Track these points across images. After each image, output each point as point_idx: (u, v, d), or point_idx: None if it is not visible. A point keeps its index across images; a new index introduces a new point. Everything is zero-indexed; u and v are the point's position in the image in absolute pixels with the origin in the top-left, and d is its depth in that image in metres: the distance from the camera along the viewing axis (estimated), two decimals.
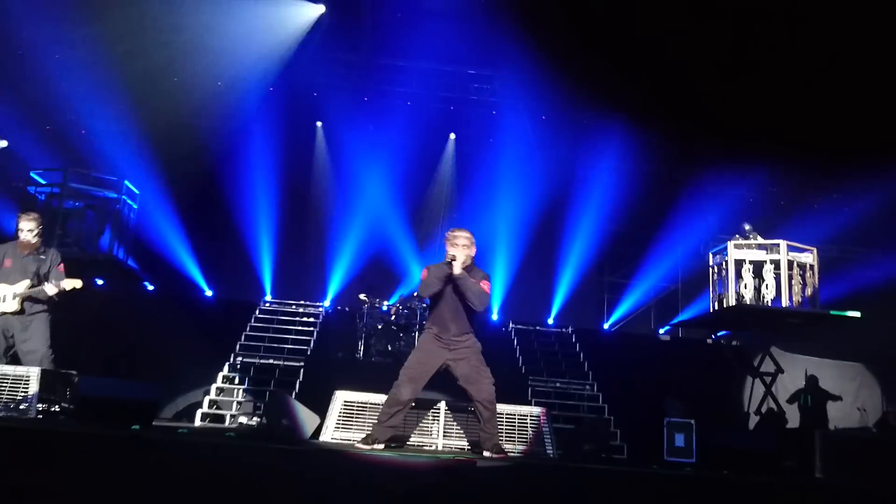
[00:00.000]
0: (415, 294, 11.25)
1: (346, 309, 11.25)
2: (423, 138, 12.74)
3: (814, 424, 9.61)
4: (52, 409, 5.38)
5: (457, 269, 5.00)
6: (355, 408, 5.75)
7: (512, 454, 5.66)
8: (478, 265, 5.32)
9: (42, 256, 6.19)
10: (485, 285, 5.13)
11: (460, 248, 5.07)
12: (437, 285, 5.07)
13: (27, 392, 5.27)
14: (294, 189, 13.09)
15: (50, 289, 5.96)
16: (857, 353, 12.13)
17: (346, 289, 12.78)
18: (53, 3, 10.49)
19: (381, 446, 4.99)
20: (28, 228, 6.10)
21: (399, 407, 5.03)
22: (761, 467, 6.87)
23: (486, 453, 5.01)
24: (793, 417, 10.17)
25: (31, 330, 6.00)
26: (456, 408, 5.82)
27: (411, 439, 5.71)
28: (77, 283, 6.06)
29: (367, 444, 4.96)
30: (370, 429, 5.22)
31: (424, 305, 10.84)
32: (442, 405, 5.82)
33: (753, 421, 9.82)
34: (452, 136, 13.69)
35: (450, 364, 5.09)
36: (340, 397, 5.79)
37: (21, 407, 5.20)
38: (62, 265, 6.27)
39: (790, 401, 10.49)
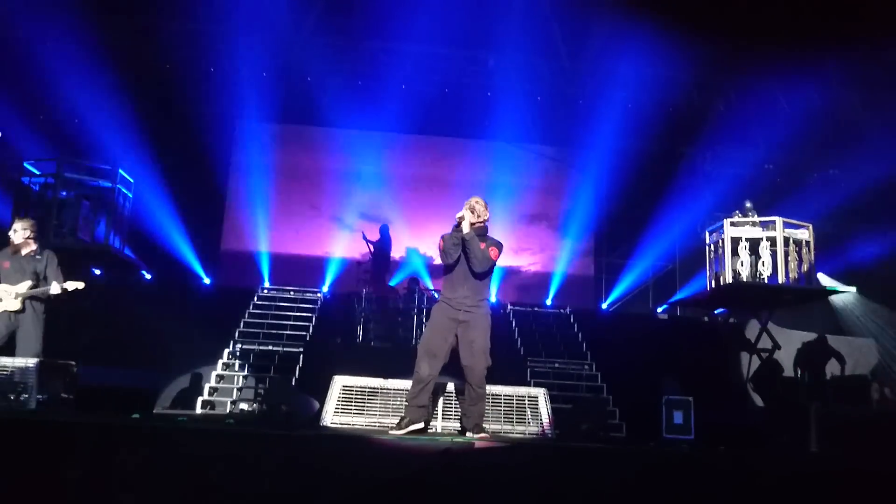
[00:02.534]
0: (412, 278, 11.30)
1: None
2: (417, 121, 12.69)
3: (810, 397, 9.68)
4: (52, 400, 5.40)
5: (465, 227, 5.05)
6: (354, 392, 5.78)
7: (510, 435, 5.71)
8: None
9: (38, 257, 6.34)
10: (492, 252, 5.16)
11: (468, 210, 5.11)
12: (456, 251, 5.11)
13: (26, 383, 5.30)
14: (290, 174, 13.06)
15: (55, 288, 6.10)
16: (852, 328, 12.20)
17: (344, 274, 12.79)
18: None
19: (418, 426, 5.03)
20: (21, 227, 6.30)
21: (421, 384, 5.06)
22: (758, 442, 6.94)
23: (467, 433, 5.07)
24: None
25: (29, 328, 6.12)
26: (456, 390, 5.85)
27: None
28: (80, 285, 6.20)
29: (401, 427, 4.99)
30: (367, 413, 5.26)
31: (422, 288, 10.88)
32: (449, 387, 5.85)
33: (751, 398, 9.89)
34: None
35: (459, 336, 5.11)
36: (339, 382, 5.81)
37: (21, 398, 5.23)
38: (58, 267, 6.40)
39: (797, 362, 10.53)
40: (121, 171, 10.18)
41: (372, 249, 11.54)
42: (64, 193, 9.64)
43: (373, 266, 11.61)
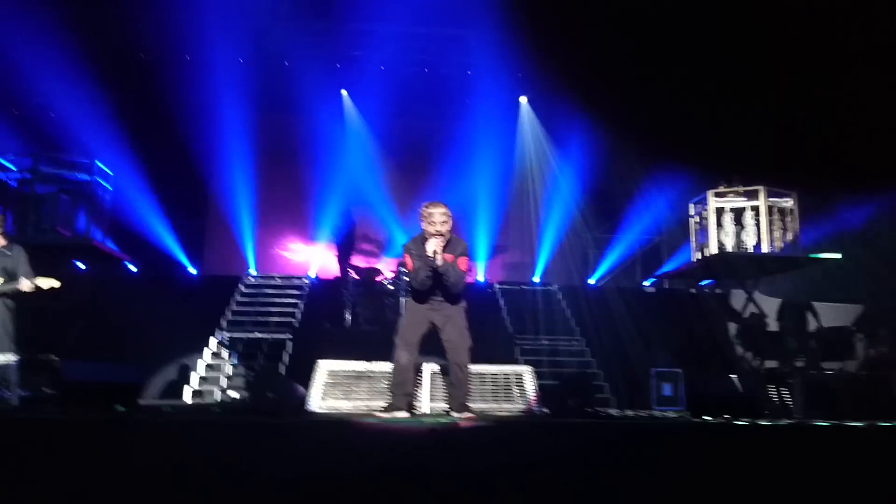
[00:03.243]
0: (400, 262, 11.26)
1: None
2: (398, 103, 12.58)
3: (795, 352, 9.74)
4: (35, 397, 5.37)
5: (439, 261, 4.97)
6: (339, 377, 5.79)
7: (497, 413, 5.74)
8: (459, 229, 5.33)
9: (8, 253, 6.14)
10: (463, 262, 5.10)
11: (439, 231, 4.98)
12: (429, 281, 5.08)
13: (8, 380, 5.26)
14: (271, 160, 12.95)
15: (24, 285, 5.91)
16: (840, 294, 12.25)
17: (330, 259, 12.73)
18: None
19: (404, 414, 5.05)
20: None
21: (403, 373, 5.11)
22: (745, 411, 7.00)
23: (453, 414, 5.11)
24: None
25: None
26: (442, 370, 5.86)
27: None
28: (55, 283, 5.99)
29: (389, 412, 5.02)
30: (353, 396, 5.27)
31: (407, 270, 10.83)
32: (427, 368, 5.87)
33: (738, 367, 9.95)
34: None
35: (437, 324, 5.13)
36: (323, 367, 5.81)
37: (2, 396, 5.20)
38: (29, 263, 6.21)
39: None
40: (98, 163, 10.07)
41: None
42: (41, 189, 9.54)
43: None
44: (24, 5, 10.84)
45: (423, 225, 5.07)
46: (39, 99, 11.56)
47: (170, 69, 12.06)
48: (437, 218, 5.00)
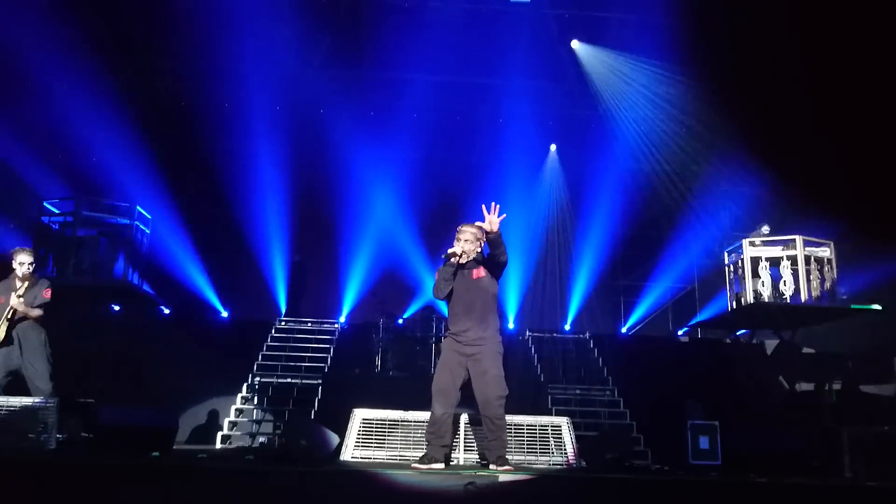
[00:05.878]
0: (428, 306, 11.24)
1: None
2: (429, 151, 12.74)
3: (843, 419, 9.45)
4: (72, 439, 5.38)
5: (457, 249, 5.08)
6: (374, 425, 5.71)
7: (534, 466, 5.61)
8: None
9: (34, 288, 6.22)
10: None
11: (463, 247, 5.12)
12: (447, 286, 5.10)
13: (46, 423, 5.28)
14: (305, 206, 13.13)
15: (14, 301, 5.98)
16: (881, 345, 11.92)
17: (361, 304, 12.76)
18: (61, 34, 10.59)
19: (440, 465, 4.98)
20: (28, 262, 6.19)
21: (437, 423, 5.05)
22: (788, 467, 6.75)
23: (491, 466, 4.99)
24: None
25: (28, 353, 6.06)
26: (476, 421, 5.76)
27: None
28: (37, 312, 6.11)
29: (424, 463, 4.95)
30: (388, 446, 5.19)
31: (436, 317, 10.75)
32: (462, 419, 5.77)
33: (778, 420, 9.68)
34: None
35: (469, 367, 5.05)
36: (359, 415, 5.74)
37: (41, 438, 5.21)
38: (48, 290, 6.28)
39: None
40: (138, 207, 10.31)
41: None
42: (82, 232, 9.76)
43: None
44: (70, 54, 11.25)
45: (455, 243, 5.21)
46: (83, 144, 11.88)
47: (208, 116, 12.37)
48: (464, 235, 5.15)
